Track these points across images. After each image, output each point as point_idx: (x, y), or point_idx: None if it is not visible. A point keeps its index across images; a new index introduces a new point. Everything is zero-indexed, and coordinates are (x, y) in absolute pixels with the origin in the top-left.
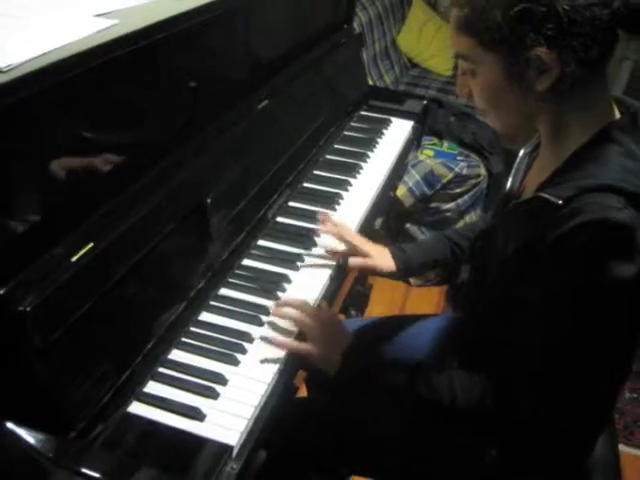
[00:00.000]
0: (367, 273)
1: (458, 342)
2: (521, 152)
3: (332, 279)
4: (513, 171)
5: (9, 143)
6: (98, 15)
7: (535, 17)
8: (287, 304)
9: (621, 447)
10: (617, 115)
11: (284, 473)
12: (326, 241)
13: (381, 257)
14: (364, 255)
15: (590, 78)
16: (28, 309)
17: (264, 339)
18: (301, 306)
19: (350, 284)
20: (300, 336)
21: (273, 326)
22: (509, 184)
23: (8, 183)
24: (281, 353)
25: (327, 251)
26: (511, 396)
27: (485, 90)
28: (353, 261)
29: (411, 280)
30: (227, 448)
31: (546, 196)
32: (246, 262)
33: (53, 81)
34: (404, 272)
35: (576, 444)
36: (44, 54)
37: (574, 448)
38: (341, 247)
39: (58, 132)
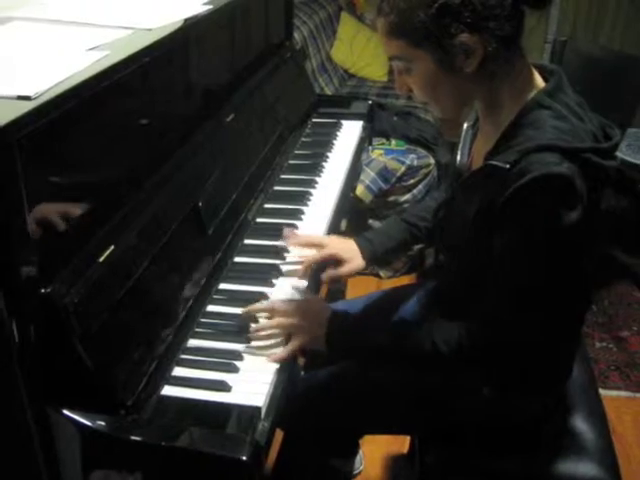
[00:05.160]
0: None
1: (434, 302)
2: (465, 126)
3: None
4: (460, 144)
5: (46, 160)
6: (90, 49)
7: (453, 9)
8: (257, 311)
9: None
10: (540, 81)
11: (301, 448)
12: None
13: (352, 256)
14: (336, 258)
15: (509, 52)
16: (75, 300)
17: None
18: (270, 310)
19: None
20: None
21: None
22: (458, 157)
23: (46, 198)
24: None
25: (302, 264)
26: (488, 333)
27: (422, 83)
28: (325, 276)
29: (381, 273)
30: (257, 409)
31: (495, 163)
32: (238, 259)
33: (73, 103)
34: (371, 261)
35: (552, 362)
36: (58, 83)
37: (551, 367)
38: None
39: (80, 149)
